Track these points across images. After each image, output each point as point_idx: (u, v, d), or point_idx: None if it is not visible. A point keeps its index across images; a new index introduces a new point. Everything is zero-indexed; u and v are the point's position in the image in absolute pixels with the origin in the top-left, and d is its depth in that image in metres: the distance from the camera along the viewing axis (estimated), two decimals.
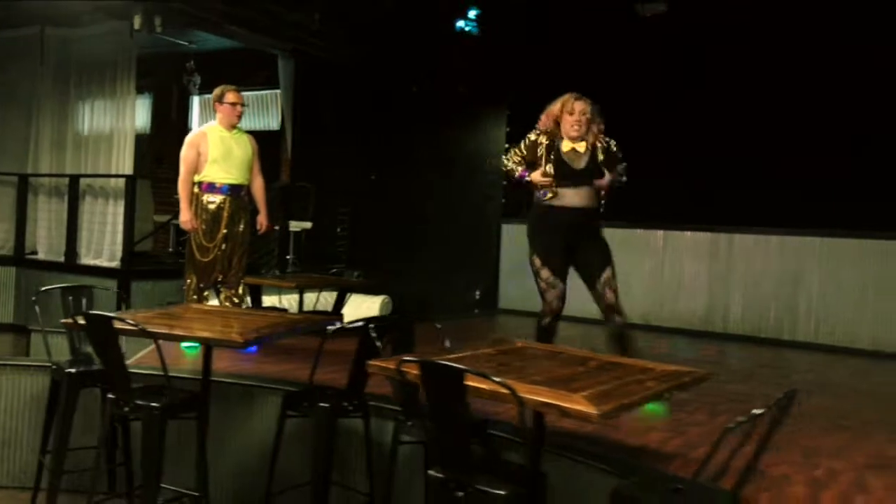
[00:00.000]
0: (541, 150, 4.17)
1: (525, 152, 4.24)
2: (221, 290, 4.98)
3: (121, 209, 7.63)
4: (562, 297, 4.18)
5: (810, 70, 6.20)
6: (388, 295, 8.02)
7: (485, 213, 8.15)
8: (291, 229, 8.57)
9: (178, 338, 2.98)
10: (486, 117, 7.95)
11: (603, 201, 4.23)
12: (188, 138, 4.96)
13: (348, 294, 6.31)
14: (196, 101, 10.51)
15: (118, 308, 5.36)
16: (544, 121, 4.25)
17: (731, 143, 6.42)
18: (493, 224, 8.02)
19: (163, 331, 2.90)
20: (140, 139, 9.45)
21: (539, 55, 7.09)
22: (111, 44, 7.73)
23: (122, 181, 7.62)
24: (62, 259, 8.05)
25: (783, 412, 2.09)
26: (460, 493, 2.23)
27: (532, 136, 4.25)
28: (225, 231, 4.82)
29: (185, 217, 4.80)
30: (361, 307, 8.02)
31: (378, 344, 2.91)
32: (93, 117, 8.31)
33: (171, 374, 3.73)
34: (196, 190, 4.83)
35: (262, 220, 5.10)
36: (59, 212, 8.23)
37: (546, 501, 2.34)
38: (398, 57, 7.50)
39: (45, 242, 8.39)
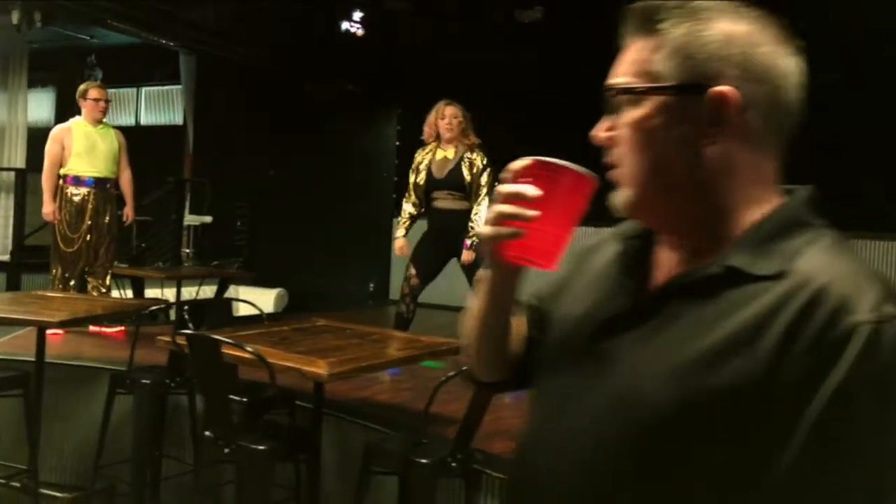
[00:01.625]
0: (422, 168, 4.52)
1: (411, 190, 4.57)
2: (89, 280, 5.14)
3: (13, 202, 7.68)
4: (409, 283, 4.52)
5: None
6: (284, 288, 8.24)
7: (377, 208, 8.41)
8: (189, 223, 8.71)
9: None
10: (378, 116, 8.23)
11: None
12: (52, 132, 5.10)
13: (228, 285, 6.50)
14: None
15: None
16: (427, 132, 4.57)
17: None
18: (385, 219, 8.28)
19: None
20: (44, 132, 9.48)
21: (426, 56, 7.38)
22: (2, 38, 7.76)
23: (13, 174, 7.66)
24: None
25: None
26: (227, 450, 2.49)
27: (416, 159, 4.60)
28: (89, 222, 4.98)
29: (48, 209, 4.95)
30: (255, 300, 8.21)
31: (190, 324, 3.15)
32: None
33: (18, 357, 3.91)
34: (61, 182, 4.98)
35: (128, 212, 5.27)
36: None
37: (312, 454, 2.62)
38: (292, 56, 7.71)
39: None
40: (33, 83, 8.72)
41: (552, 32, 7.12)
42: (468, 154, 4.44)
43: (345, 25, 6.97)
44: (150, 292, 6.35)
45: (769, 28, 0.85)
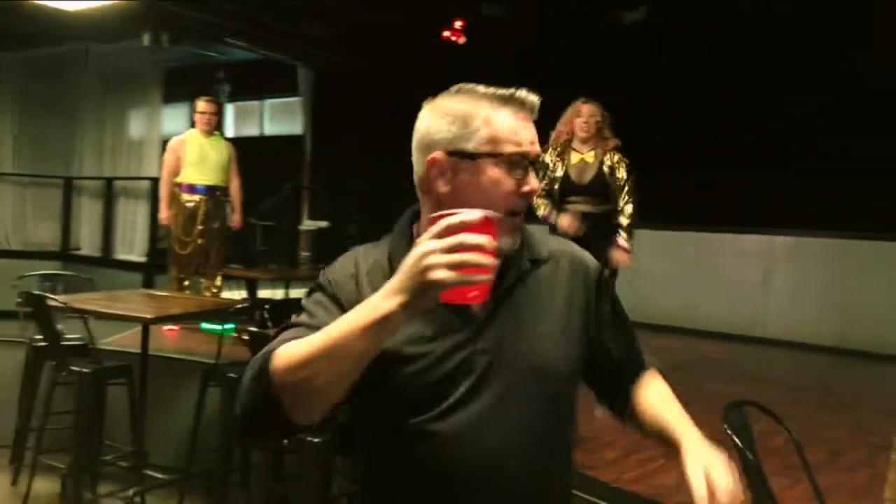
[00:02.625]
0: (553, 168, 4.24)
1: (545, 186, 4.27)
2: (201, 280, 5.54)
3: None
4: None
5: (765, 73, 6.35)
6: None
7: None
8: (306, 228, 9.17)
9: (93, 313, 3.45)
10: None
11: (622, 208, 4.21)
12: (169, 144, 5.55)
13: None
14: (231, 109, 11.26)
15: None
16: (561, 130, 4.29)
17: (706, 142, 6.58)
18: None
19: (91, 308, 3.43)
20: None
21: (527, 61, 7.41)
22: (143, 57, 8.47)
23: (149, 183, 8.36)
24: (100, 254, 8.89)
25: None
26: (286, 441, 2.66)
27: (546, 159, 4.26)
28: (201, 227, 5.38)
29: (163, 214, 5.40)
30: None
31: (269, 323, 3.37)
32: (128, 125, 9.12)
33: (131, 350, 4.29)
34: (177, 190, 5.41)
35: (235, 218, 5.63)
36: (101, 211, 9.08)
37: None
38: (398, 66, 7.96)
39: (88, 239, 9.25)
40: (170, 99, 9.46)
41: (657, 33, 6.96)
42: (607, 158, 4.19)
43: (446, 33, 7.11)
44: (263, 293, 6.76)
45: None
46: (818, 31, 6.13)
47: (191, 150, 5.40)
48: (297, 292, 7.01)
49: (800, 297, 6.37)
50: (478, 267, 0.95)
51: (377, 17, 7.39)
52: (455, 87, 1.26)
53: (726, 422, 1.72)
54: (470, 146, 1.19)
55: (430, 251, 0.95)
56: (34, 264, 8.24)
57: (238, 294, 6.58)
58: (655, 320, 6.86)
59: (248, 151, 10.70)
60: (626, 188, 4.21)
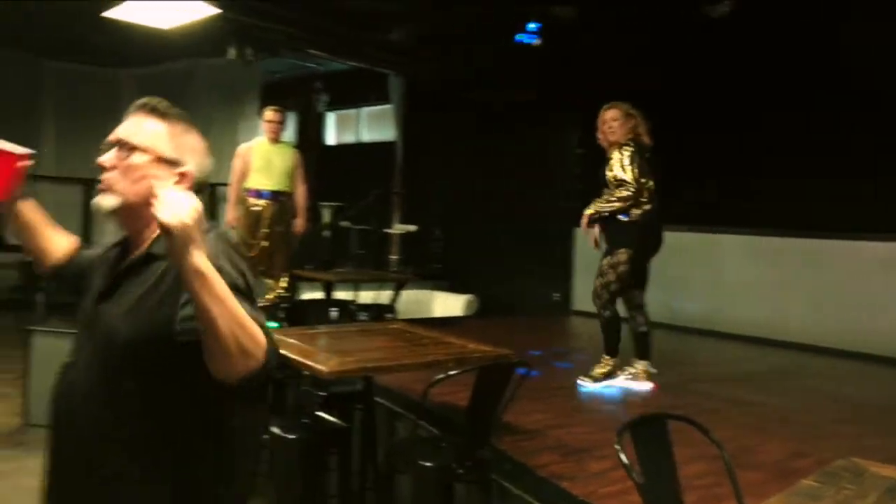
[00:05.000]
0: None
1: None
2: (268, 282, 5.78)
3: None
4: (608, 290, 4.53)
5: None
6: (474, 294, 8.51)
7: (562, 217, 8.35)
8: (395, 232, 9.39)
9: None
10: (560, 124, 8.17)
11: (612, 206, 4.27)
12: (237, 150, 5.81)
13: (402, 288, 6.84)
14: (332, 117, 11.68)
15: None
16: (600, 139, 4.52)
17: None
18: (567, 228, 8.20)
19: None
20: None
21: (609, 59, 7.22)
22: (243, 71, 8.93)
23: None
24: None
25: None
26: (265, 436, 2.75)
27: None
28: (266, 230, 5.62)
29: (230, 216, 5.67)
30: (447, 305, 8.65)
31: (285, 323, 3.48)
32: (231, 134, 9.66)
33: None
34: (244, 194, 5.67)
35: (299, 222, 5.81)
36: None
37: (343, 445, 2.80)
38: (477, 70, 7.99)
39: None
40: None
41: (742, 27, 6.61)
42: (614, 152, 4.28)
43: (520, 37, 7.08)
44: (340, 294, 6.95)
45: None
46: (787, 35, 5.80)
47: (256, 156, 5.65)
48: (375, 294, 7.14)
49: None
50: None
51: (451, 21, 7.43)
52: None
53: (621, 438, 1.63)
54: None
55: None
56: None
57: (314, 295, 6.81)
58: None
59: (346, 158, 11.13)
60: (615, 179, 4.21)
